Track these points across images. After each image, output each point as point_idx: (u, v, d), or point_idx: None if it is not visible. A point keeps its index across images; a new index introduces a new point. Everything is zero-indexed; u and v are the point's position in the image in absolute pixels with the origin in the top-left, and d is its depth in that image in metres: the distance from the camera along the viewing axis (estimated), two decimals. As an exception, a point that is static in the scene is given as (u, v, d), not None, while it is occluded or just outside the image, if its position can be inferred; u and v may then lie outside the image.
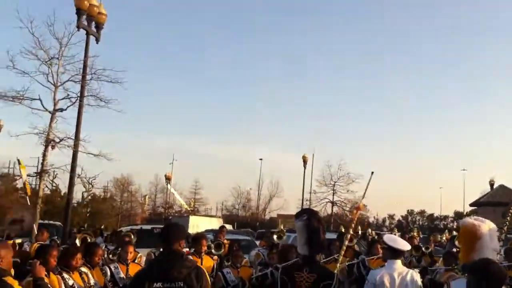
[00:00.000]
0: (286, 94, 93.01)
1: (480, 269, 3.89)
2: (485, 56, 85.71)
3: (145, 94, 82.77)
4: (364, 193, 7.63)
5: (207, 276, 4.59)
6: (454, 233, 13.72)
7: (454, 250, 8.53)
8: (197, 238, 7.91)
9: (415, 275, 5.51)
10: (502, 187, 42.05)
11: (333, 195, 49.94)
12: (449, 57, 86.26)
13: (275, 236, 9.50)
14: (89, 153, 14.27)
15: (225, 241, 11.45)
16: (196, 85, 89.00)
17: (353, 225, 7.99)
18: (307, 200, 44.76)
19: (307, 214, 5.48)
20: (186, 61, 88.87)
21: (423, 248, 10.34)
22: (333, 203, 49.56)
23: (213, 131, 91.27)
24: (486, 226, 4.90)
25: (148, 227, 16.35)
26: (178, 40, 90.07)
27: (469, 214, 43.85)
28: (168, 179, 55.48)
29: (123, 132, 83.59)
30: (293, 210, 56.35)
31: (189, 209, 54.89)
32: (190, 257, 7.94)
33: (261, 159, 61.96)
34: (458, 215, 57.97)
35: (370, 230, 23.14)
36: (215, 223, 25.52)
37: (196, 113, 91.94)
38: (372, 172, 7.28)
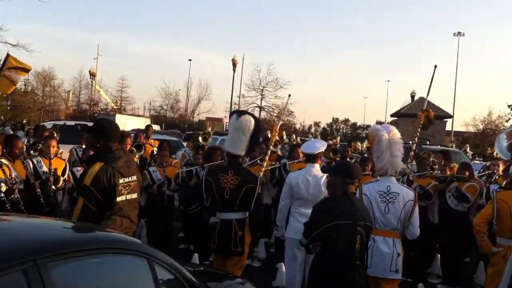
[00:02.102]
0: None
1: (340, 167, 4.45)
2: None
3: (70, -17, 77.82)
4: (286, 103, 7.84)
5: None
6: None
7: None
8: (122, 136, 7.94)
9: (329, 177, 5.79)
10: (422, 99, 43.95)
11: (261, 100, 50.53)
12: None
13: (200, 138, 9.61)
14: (6, 43, 13.45)
15: (152, 141, 11.52)
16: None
17: (276, 132, 8.25)
18: (235, 104, 45.05)
19: (249, 115, 5.62)
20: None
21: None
22: (261, 108, 50.23)
23: (142, 28, 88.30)
24: (388, 133, 5.11)
25: (72, 123, 15.98)
26: None
27: (389, 124, 45.90)
28: (92, 75, 53.71)
29: (45, 23, 79.01)
30: (221, 113, 56.77)
31: (115, 107, 53.91)
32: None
33: (190, 60, 61.08)
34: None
35: (294, 136, 23.90)
36: (142, 123, 25.26)
37: (124, 8, 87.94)
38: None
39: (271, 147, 9.40)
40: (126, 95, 61.69)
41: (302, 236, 4.20)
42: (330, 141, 17.34)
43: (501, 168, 8.44)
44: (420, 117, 8.28)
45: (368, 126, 73.10)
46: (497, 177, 8.29)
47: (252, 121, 5.51)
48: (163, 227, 7.62)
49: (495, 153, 11.10)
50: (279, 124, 7.97)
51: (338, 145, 16.26)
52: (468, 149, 22.56)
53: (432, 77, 8.28)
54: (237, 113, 5.66)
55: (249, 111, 42.34)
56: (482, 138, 46.91)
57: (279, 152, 10.45)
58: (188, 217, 8.30)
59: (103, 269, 2.71)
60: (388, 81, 70.37)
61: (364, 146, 19.35)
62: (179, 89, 62.19)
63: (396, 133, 5.19)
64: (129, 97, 62.16)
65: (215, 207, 5.40)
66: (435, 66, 7.96)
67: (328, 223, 3.96)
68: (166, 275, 2.99)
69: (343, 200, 4.12)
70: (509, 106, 38.73)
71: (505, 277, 2.21)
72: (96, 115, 43.85)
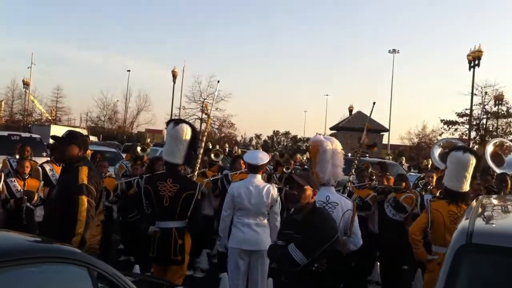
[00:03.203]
0: (160, 5, 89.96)
1: (311, 178, 4.27)
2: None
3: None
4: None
5: None
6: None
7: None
8: (54, 147, 7.84)
9: (271, 188, 5.77)
10: (359, 113, 45.28)
11: (202, 112, 50.35)
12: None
13: (139, 148, 9.49)
14: None
15: (89, 151, 11.22)
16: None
17: (204, 139, 8.25)
18: (175, 115, 44.60)
19: (185, 124, 5.57)
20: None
21: (284, 168, 10.98)
22: (201, 120, 50.06)
23: (78, 37, 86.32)
24: (331, 144, 5.16)
25: (5, 133, 15.34)
26: None
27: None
28: (26, 84, 51.85)
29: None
30: (161, 125, 55.98)
31: (50, 118, 52.22)
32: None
33: (129, 71, 60.38)
34: (319, 138, 61.53)
35: (236, 147, 23.94)
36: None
37: (59, 15, 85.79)
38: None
39: (213, 157, 9.40)
40: (62, 106, 59.99)
41: (296, 256, 3.83)
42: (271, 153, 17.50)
43: (435, 179, 8.80)
44: (363, 144, 8.51)
45: (308, 139, 74.69)
46: (431, 187, 8.63)
47: (189, 129, 5.49)
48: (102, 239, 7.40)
49: (429, 165, 11.57)
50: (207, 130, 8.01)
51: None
52: (404, 161, 23.30)
53: (371, 111, 8.61)
54: (174, 122, 5.60)
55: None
56: (417, 151, 48.68)
57: (221, 163, 10.43)
58: (126, 228, 8.13)
59: (41, 278, 2.63)
60: (327, 95, 72.14)
61: (305, 158, 19.65)
62: (117, 100, 61.21)
63: (338, 145, 5.27)
64: (65, 107, 60.47)
65: (154, 216, 5.31)
66: (374, 103, 8.26)
67: (331, 237, 3.90)
68: (107, 285, 2.91)
69: (324, 211, 4.20)
70: (441, 120, 40.34)
71: (439, 284, 2.28)
72: (30, 125, 42.31)
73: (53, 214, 4.42)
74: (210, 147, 14.09)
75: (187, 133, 5.43)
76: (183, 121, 5.83)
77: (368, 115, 8.60)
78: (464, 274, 2.24)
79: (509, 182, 7.51)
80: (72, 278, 2.79)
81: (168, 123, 5.64)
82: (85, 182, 4.30)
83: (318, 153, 5.13)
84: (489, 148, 10.37)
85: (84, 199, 4.21)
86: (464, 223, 2.55)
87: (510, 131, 37.17)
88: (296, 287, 3.98)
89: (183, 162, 5.52)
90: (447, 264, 2.26)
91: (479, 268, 2.32)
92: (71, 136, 4.68)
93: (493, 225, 2.76)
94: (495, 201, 3.77)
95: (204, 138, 8.50)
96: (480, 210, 3.00)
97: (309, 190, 4.01)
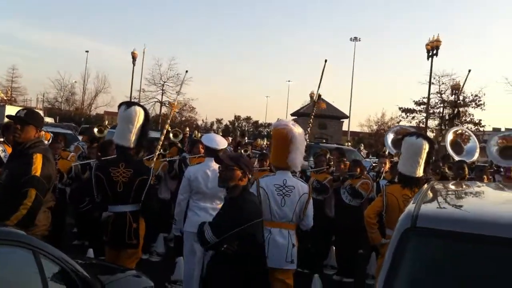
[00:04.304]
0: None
1: (239, 160, 4.14)
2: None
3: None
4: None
5: None
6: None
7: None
8: (6, 128, 7.59)
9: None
10: (320, 99, 45.59)
11: (162, 95, 49.81)
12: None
13: (95, 130, 9.31)
14: None
15: (44, 133, 10.93)
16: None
17: (168, 122, 8.16)
18: (135, 98, 43.91)
19: (137, 106, 5.46)
20: None
21: (243, 151, 10.99)
22: (161, 103, 49.49)
23: (35, 14, 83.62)
24: (297, 129, 5.20)
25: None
26: None
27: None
28: (-21, 63, 50.11)
29: None
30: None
31: (5, 98, 50.58)
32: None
33: (87, 51, 59.19)
34: (280, 123, 61.82)
35: (196, 131, 23.79)
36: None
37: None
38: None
39: (171, 136, 9.31)
40: (17, 86, 58.28)
41: (206, 234, 3.87)
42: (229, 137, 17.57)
43: (387, 165, 8.98)
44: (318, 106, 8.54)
45: (270, 124, 75.04)
46: (384, 173, 8.81)
47: (141, 111, 5.37)
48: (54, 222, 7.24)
49: (387, 152, 11.78)
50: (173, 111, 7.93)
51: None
52: (362, 148, 23.68)
53: (323, 70, 8.67)
54: (125, 104, 5.44)
55: (150, 105, 41.40)
56: (376, 138, 49.53)
57: (180, 145, 10.35)
58: (80, 213, 7.99)
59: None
60: (289, 81, 72.42)
61: (264, 143, 19.72)
62: (75, 81, 59.96)
63: (302, 131, 5.35)
64: (21, 87, 58.75)
65: (107, 201, 5.19)
66: (325, 61, 8.36)
67: (249, 221, 3.88)
68: (54, 268, 2.86)
69: (251, 195, 4.17)
70: (400, 108, 41.16)
71: (383, 266, 2.31)
72: (-17, 105, 40.83)
73: None
74: (169, 129, 13.97)
75: (139, 115, 5.31)
76: (135, 103, 5.70)
77: (327, 100, 8.64)
78: (408, 258, 2.27)
79: (466, 169, 7.70)
80: (16, 260, 2.72)
81: (120, 106, 5.49)
82: (38, 173, 4.07)
83: (288, 141, 5.14)
84: (449, 136, 10.61)
85: (33, 192, 3.99)
86: (410, 206, 2.59)
87: (466, 119, 38.21)
88: (211, 267, 3.99)
89: (134, 145, 5.38)
90: (392, 247, 2.28)
91: (424, 251, 2.34)
92: (29, 115, 4.33)
93: (439, 209, 2.81)
94: (445, 186, 3.84)
95: (167, 125, 8.43)
96: (428, 194, 3.05)
97: (237, 171, 4.02)
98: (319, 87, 8.80)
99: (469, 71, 16.33)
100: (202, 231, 3.92)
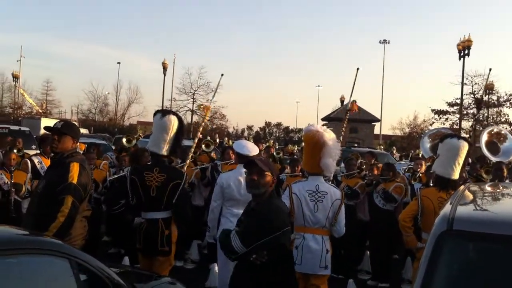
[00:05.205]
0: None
1: (269, 164, 3.98)
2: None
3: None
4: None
5: None
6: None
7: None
8: (42, 140, 7.82)
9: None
10: (351, 104, 45.25)
11: (193, 103, 50.27)
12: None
13: (124, 140, 9.44)
14: None
15: (79, 144, 11.16)
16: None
17: (200, 129, 8.19)
18: (166, 107, 44.52)
19: (172, 114, 5.53)
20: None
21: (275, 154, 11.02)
22: (192, 112, 49.93)
23: (67, 28, 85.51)
24: (328, 134, 5.15)
25: (-4, 126, 15.25)
26: None
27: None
28: (15, 77, 51.42)
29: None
30: (152, 117, 55.97)
31: (40, 111, 51.84)
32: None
33: (119, 63, 60.13)
34: (311, 129, 61.65)
35: (227, 139, 23.92)
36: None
37: (46, 8, 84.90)
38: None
39: (203, 147, 9.38)
40: (52, 98, 59.75)
41: (234, 243, 3.66)
42: (262, 144, 17.55)
43: (423, 167, 8.83)
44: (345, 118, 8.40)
45: (300, 130, 74.85)
46: (420, 175, 8.67)
47: (176, 120, 5.44)
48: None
49: (420, 154, 11.61)
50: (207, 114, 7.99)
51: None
52: (395, 151, 23.39)
53: (355, 79, 8.58)
54: (161, 113, 5.53)
55: (181, 114, 41.83)
56: (409, 141, 48.82)
57: (213, 155, 10.41)
58: (112, 219, 8.10)
59: (19, 269, 2.59)
60: (319, 86, 72.12)
61: (296, 148, 19.67)
62: (108, 92, 60.99)
63: (335, 136, 5.28)
64: (55, 100, 60.24)
65: (140, 207, 5.26)
66: (357, 69, 8.25)
67: (279, 229, 3.65)
68: (90, 276, 2.88)
69: (279, 202, 3.96)
70: (432, 110, 40.48)
71: (420, 269, 2.27)
72: (20, 118, 41.98)
73: (37, 208, 4.28)
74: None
75: (174, 124, 5.38)
76: (170, 111, 5.79)
77: (354, 101, 8.48)
78: (445, 261, 2.23)
79: (505, 170, 7.53)
80: (53, 269, 2.76)
81: (155, 114, 5.58)
82: (74, 181, 4.16)
83: (319, 145, 5.10)
84: (484, 137, 10.37)
85: (69, 199, 4.08)
86: (446, 209, 2.55)
87: (500, 120, 37.35)
88: (238, 277, 3.84)
89: (168, 153, 5.46)
90: (428, 250, 2.25)
91: (460, 254, 2.31)
92: (66, 126, 4.46)
93: (475, 212, 2.76)
94: (481, 188, 3.77)
95: (199, 132, 8.48)
96: (464, 196, 3.00)
97: (269, 177, 3.80)
98: (351, 95, 8.70)
99: (490, 70, 15.90)
100: (228, 240, 3.71)
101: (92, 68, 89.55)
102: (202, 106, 8.91)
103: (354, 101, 8.30)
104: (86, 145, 9.23)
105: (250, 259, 3.62)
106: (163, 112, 5.58)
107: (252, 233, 3.64)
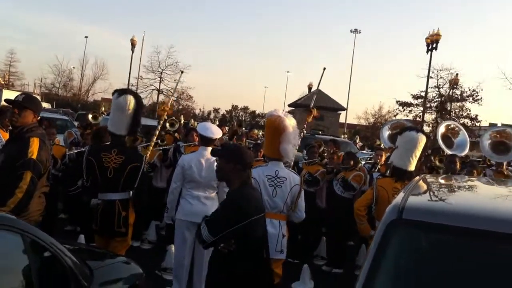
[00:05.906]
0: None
1: (237, 154, 3.79)
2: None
3: None
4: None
5: None
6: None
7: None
8: (2, 112, 7.56)
9: (220, 161, 5.77)
10: (319, 91, 45.56)
11: (160, 82, 49.66)
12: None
13: (90, 116, 9.28)
14: None
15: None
16: None
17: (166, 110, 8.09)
18: (133, 85, 43.86)
19: (129, 94, 5.44)
20: None
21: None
22: (159, 91, 49.35)
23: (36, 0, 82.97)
24: (289, 120, 5.16)
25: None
26: None
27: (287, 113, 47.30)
28: (-23, 47, 49.85)
29: None
30: (114, 96, 54.98)
31: (2, 82, 50.37)
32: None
33: (86, 37, 58.83)
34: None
35: (193, 120, 23.78)
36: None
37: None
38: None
39: (168, 126, 9.30)
40: (15, 70, 58.01)
41: (203, 233, 3.59)
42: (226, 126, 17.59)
43: (383, 158, 8.99)
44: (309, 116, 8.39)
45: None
46: (379, 166, 8.83)
47: (133, 99, 5.35)
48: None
49: (382, 145, 11.80)
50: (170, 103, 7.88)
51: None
52: (358, 140, 23.69)
53: (321, 78, 8.60)
54: (117, 92, 5.43)
55: (147, 93, 41.18)
56: (372, 131, 49.52)
57: (177, 136, 10.34)
58: (70, 198, 7.99)
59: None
60: (288, 72, 72.27)
61: (261, 133, 19.71)
62: (73, 67, 59.66)
63: (295, 123, 5.28)
64: (18, 72, 58.50)
65: (96, 188, 5.20)
66: (324, 69, 8.26)
67: (247, 218, 3.55)
68: (42, 252, 2.86)
69: (252, 190, 3.84)
70: (397, 102, 41.04)
71: (368, 257, 2.32)
72: (-20, 89, 40.65)
73: None
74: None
75: (130, 103, 5.29)
76: (128, 90, 5.70)
77: (322, 91, 8.55)
78: (393, 249, 2.28)
79: (458, 163, 7.73)
80: (4, 243, 2.72)
81: (113, 93, 5.49)
82: (34, 156, 4.09)
83: (280, 131, 5.10)
84: (441, 130, 10.62)
85: (28, 175, 4.01)
86: (398, 198, 2.60)
87: (462, 114, 38.21)
88: (210, 267, 3.80)
89: (127, 133, 5.39)
90: (378, 238, 2.29)
91: (409, 243, 2.36)
92: (27, 100, 4.35)
93: (425, 202, 2.83)
94: (435, 180, 3.86)
95: (164, 114, 8.36)
96: (417, 187, 3.07)
97: (232, 165, 3.70)
98: (316, 91, 8.74)
99: (457, 74, 16.26)
100: (199, 228, 3.67)
101: (59, 41, 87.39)
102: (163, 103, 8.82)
103: (317, 109, 8.24)
104: (40, 118, 9.00)
105: (218, 248, 3.60)
106: (120, 92, 5.46)
107: (219, 221, 3.58)
